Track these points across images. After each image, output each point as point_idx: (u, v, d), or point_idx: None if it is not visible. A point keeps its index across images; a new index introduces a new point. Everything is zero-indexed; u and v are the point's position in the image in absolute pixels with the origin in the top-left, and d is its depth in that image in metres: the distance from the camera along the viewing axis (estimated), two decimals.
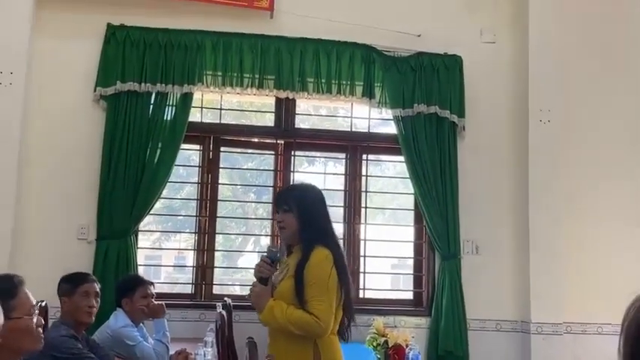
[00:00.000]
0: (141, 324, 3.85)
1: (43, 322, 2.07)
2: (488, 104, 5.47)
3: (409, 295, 5.45)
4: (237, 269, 5.81)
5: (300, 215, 2.87)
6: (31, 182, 4.82)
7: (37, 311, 2.05)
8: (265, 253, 2.90)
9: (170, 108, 4.99)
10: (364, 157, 5.49)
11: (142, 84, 4.92)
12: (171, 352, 3.75)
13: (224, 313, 3.95)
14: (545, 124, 5.28)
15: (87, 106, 4.95)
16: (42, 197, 4.85)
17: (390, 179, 5.83)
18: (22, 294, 2.02)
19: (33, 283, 2.19)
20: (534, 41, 5.37)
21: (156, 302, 3.84)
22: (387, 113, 5.35)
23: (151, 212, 4.98)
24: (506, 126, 5.45)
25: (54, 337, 2.95)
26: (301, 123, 5.58)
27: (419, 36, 5.34)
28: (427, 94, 5.26)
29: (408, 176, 5.26)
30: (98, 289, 3.33)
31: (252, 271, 2.93)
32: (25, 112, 4.81)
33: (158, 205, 4.99)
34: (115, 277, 4.61)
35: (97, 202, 4.82)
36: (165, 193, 5.05)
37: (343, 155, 5.52)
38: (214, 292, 5.15)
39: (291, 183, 5.26)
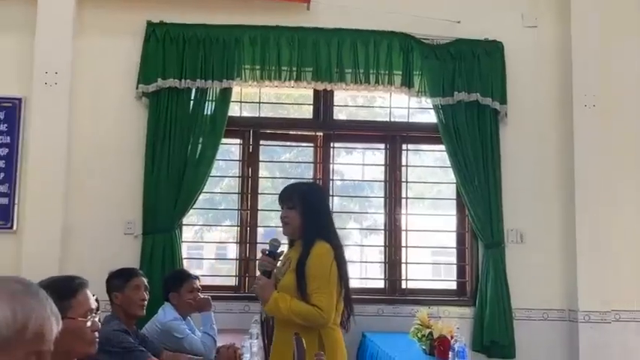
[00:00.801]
0: (188, 317, 3.91)
1: (99, 326, 2.09)
2: (531, 90, 5.37)
3: (452, 285, 5.41)
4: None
5: (303, 212, 3.01)
6: (78, 180, 4.92)
7: (94, 316, 2.07)
8: (267, 247, 3.04)
9: (210, 103, 5.03)
10: (404, 146, 5.45)
11: (182, 80, 4.97)
12: (218, 343, 3.81)
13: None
14: (590, 109, 5.16)
15: (130, 104, 5.03)
16: (89, 194, 4.95)
17: (431, 169, 5.78)
18: (81, 296, 2.05)
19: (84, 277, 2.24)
20: (577, 24, 5.25)
21: (202, 296, 3.89)
22: (427, 102, 5.30)
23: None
24: (550, 112, 5.35)
25: (106, 331, 3.01)
26: (339, 113, 5.57)
27: (458, 22, 5.27)
28: (468, 81, 5.19)
29: (449, 165, 5.21)
30: (146, 283, 3.40)
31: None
32: (71, 111, 4.92)
33: (199, 198, 5.04)
34: (161, 270, 4.71)
35: (142, 197, 4.90)
36: (206, 186, 5.09)
37: (382, 145, 5.49)
38: None
39: (333, 177, 5.33)
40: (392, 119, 5.50)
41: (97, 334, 2.08)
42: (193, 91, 5.02)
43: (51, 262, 4.64)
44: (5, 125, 4.94)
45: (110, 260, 4.25)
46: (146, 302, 3.33)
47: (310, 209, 3.03)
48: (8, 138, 4.93)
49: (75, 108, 4.94)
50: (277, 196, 3.18)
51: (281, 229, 3.15)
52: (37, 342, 1.25)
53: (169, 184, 4.89)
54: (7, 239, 4.83)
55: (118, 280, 3.29)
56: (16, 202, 4.87)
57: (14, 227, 4.85)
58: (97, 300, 2.19)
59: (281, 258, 3.11)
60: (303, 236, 3.01)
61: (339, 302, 2.97)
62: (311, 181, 3.30)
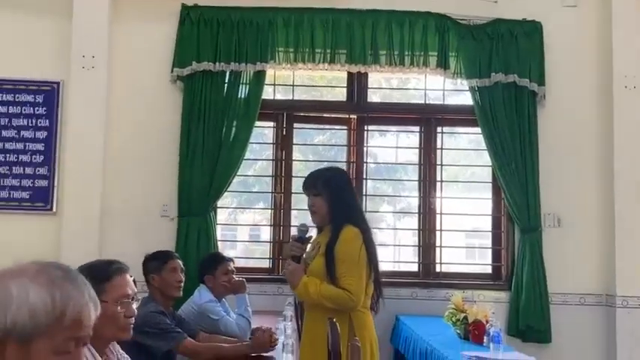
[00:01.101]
0: (223, 299, 3.95)
1: (134, 312, 2.09)
2: (570, 71, 5.25)
3: (487, 269, 5.36)
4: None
5: (329, 198, 3.01)
6: (115, 163, 5.00)
7: (129, 302, 2.08)
8: (296, 233, 3.07)
9: (244, 86, 5.04)
10: (439, 129, 5.39)
11: (217, 63, 4.99)
12: (253, 325, 3.85)
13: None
14: (630, 91, 5.03)
15: (165, 87, 5.07)
16: (126, 177, 5.03)
17: (465, 151, 5.72)
18: (116, 281, 2.06)
19: (120, 259, 2.26)
20: (618, 3, 5.10)
21: (237, 278, 3.93)
22: (463, 84, 5.23)
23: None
24: (589, 93, 5.23)
25: (143, 313, 3.06)
26: (373, 95, 5.53)
27: (495, 2, 5.17)
28: (505, 62, 5.10)
29: (484, 148, 5.14)
30: (182, 265, 3.45)
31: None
32: (108, 95, 4.97)
33: (233, 181, 5.07)
34: (196, 252, 4.77)
35: (177, 180, 4.95)
36: (239, 169, 5.11)
37: (417, 128, 5.44)
38: None
39: (366, 159, 5.31)
40: (427, 101, 5.44)
41: (131, 320, 2.09)
42: (227, 74, 5.03)
43: (90, 243, 4.74)
44: (44, 109, 5.03)
45: (146, 242, 4.31)
46: (182, 284, 3.38)
47: (336, 194, 3.03)
48: (47, 121, 5.02)
49: (111, 92, 5.00)
50: None
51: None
52: (75, 328, 1.27)
53: (204, 167, 4.92)
54: (47, 221, 4.94)
55: (155, 262, 3.34)
56: (56, 184, 4.97)
57: (54, 209, 4.96)
58: (134, 281, 2.20)
59: (310, 242, 3.13)
60: (332, 221, 3.02)
61: (369, 285, 2.99)
62: (334, 166, 3.29)
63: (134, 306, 2.11)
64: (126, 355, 2.27)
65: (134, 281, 2.21)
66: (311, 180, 3.12)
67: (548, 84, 5.15)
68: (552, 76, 5.18)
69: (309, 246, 3.11)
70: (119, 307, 2.04)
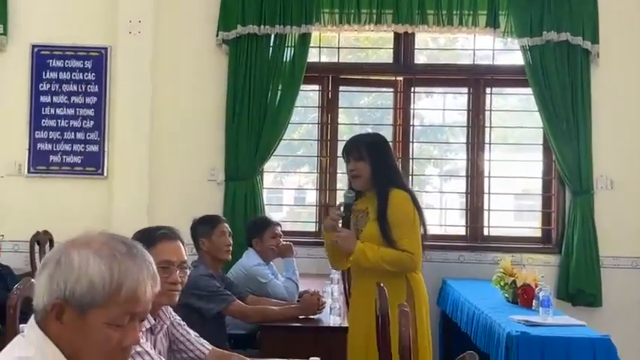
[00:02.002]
0: (271, 262, 4.00)
1: (178, 279, 2.11)
2: (625, 28, 5.04)
3: (537, 233, 5.29)
4: None
5: (372, 162, 2.99)
6: (162, 128, 5.05)
7: (174, 268, 2.10)
8: (342, 199, 3.07)
9: (289, 49, 5.00)
10: (488, 90, 5.27)
11: (262, 26, 4.95)
12: (300, 288, 3.89)
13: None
14: None
15: (211, 51, 5.07)
16: (174, 141, 5.09)
17: (514, 113, 5.59)
18: (161, 246, 2.09)
19: (168, 223, 2.30)
20: None
21: (284, 242, 3.97)
22: (513, 43, 5.08)
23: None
24: None
25: (193, 276, 3.11)
26: (419, 56, 5.42)
27: None
28: (557, 20, 4.92)
29: (535, 109, 5.01)
30: (230, 229, 3.49)
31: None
32: (154, 60, 5.01)
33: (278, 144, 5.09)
34: (243, 216, 4.83)
35: (224, 144, 4.99)
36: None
37: (465, 89, 5.34)
38: None
39: (413, 122, 5.24)
40: (475, 62, 5.32)
41: (175, 286, 2.10)
42: (272, 37, 5.00)
43: (139, 207, 4.85)
44: (93, 74, 5.10)
45: (194, 206, 4.39)
46: (231, 247, 3.42)
47: (379, 158, 3.03)
48: (96, 87, 5.10)
49: (158, 56, 5.03)
50: None
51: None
52: (129, 304, 1.30)
53: (250, 131, 4.94)
54: (99, 185, 5.05)
55: (204, 226, 3.38)
56: (106, 149, 5.07)
57: (105, 174, 5.06)
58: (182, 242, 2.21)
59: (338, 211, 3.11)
60: (376, 186, 3.00)
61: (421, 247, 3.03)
62: (373, 132, 3.29)
63: (179, 273, 2.12)
64: (178, 318, 2.33)
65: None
66: (353, 145, 3.10)
67: (601, 42, 4.96)
68: (606, 33, 4.98)
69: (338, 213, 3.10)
70: (161, 273, 2.07)
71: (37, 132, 5.08)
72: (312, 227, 5.32)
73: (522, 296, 3.87)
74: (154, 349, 2.10)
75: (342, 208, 3.07)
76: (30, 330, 1.33)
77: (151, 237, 2.12)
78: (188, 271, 2.21)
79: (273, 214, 5.12)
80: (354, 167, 3.04)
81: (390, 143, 5.31)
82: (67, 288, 1.28)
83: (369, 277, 2.92)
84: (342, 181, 5.37)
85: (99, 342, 1.28)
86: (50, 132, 5.08)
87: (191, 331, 2.33)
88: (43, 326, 1.30)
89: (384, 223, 2.93)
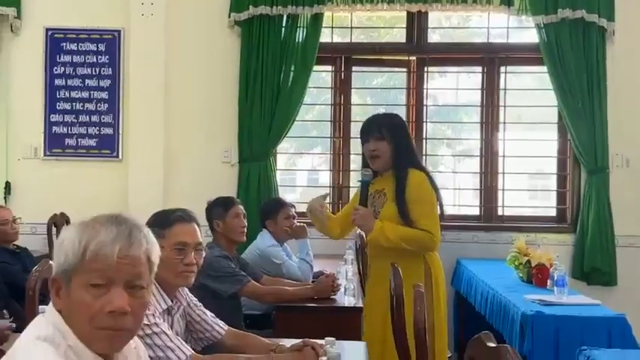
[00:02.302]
0: (284, 244, 4.02)
1: (192, 260, 2.12)
2: None
3: (551, 212, 5.27)
4: None
5: (393, 142, 3.00)
6: (176, 110, 5.07)
7: (189, 249, 2.11)
8: (360, 178, 3.07)
9: (301, 30, 4.98)
10: (502, 69, 5.23)
11: (274, 7, 4.93)
12: (314, 269, 3.92)
13: (362, 232, 4.03)
14: None
15: (223, 33, 5.07)
16: (187, 123, 5.10)
17: (528, 91, 5.54)
18: (176, 229, 2.12)
19: (183, 204, 2.32)
20: None
21: (298, 223, 3.98)
22: (528, 21, 5.02)
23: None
24: None
25: (209, 257, 3.14)
26: (433, 34, 5.38)
27: None
28: None
29: (550, 87, 4.96)
30: (244, 210, 3.50)
31: None
32: (167, 42, 5.01)
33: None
34: (257, 197, 4.85)
35: (237, 125, 5.00)
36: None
37: (479, 68, 5.29)
38: None
39: (427, 102, 5.22)
40: (490, 40, 5.27)
41: (190, 267, 2.12)
42: (285, 17, 4.97)
43: (155, 189, 4.90)
44: (107, 57, 5.12)
45: (208, 188, 4.42)
46: (245, 229, 3.44)
47: (400, 139, 3.03)
48: (110, 69, 5.12)
49: (170, 38, 5.04)
50: None
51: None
52: (96, 262, 1.33)
53: (263, 113, 4.94)
54: (114, 168, 5.09)
55: (219, 208, 3.40)
56: (121, 132, 5.09)
57: (120, 156, 5.10)
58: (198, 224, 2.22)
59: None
60: (395, 166, 3.01)
61: None
62: (390, 112, 3.28)
63: (194, 255, 2.13)
64: (194, 299, 2.35)
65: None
66: (374, 124, 3.08)
67: (617, 20, 4.89)
68: (622, 11, 4.91)
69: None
70: (176, 254, 2.09)
71: (52, 115, 5.11)
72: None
73: (537, 276, 3.87)
74: (172, 329, 2.13)
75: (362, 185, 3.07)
76: (49, 310, 1.37)
77: (166, 219, 2.15)
78: (203, 253, 2.22)
79: (286, 195, 5.13)
80: (375, 147, 3.02)
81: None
82: (56, 264, 1.36)
83: (386, 257, 2.92)
84: (355, 162, 5.37)
85: (81, 307, 1.32)
86: (65, 115, 5.11)
87: (207, 312, 2.36)
88: (54, 305, 1.37)
89: (403, 204, 2.93)
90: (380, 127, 3.04)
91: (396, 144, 3.01)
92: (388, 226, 2.93)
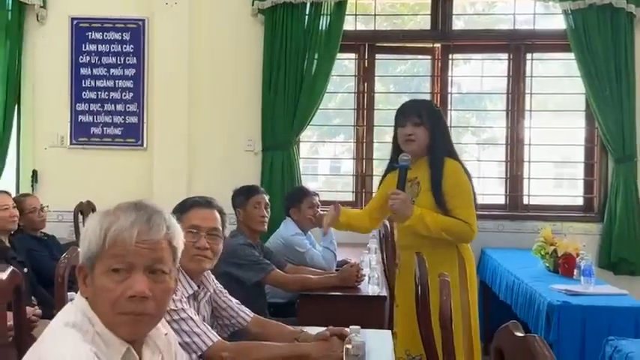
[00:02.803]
0: (308, 232, 4.02)
1: (205, 244, 2.10)
2: None
3: (578, 201, 5.20)
4: None
5: (431, 128, 2.91)
6: (200, 99, 5.09)
7: (200, 233, 2.09)
8: (398, 162, 2.93)
9: (325, 17, 4.96)
10: (528, 56, 5.16)
11: None
12: (338, 258, 3.91)
13: (386, 221, 4.02)
14: None
15: (246, 21, 5.07)
16: (211, 112, 5.12)
17: (555, 78, 5.46)
18: (191, 213, 2.11)
19: (206, 193, 2.33)
20: None
21: (322, 212, 3.98)
22: (555, 7, 4.95)
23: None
24: None
25: (232, 245, 3.16)
26: (457, 21, 5.32)
27: None
28: None
29: (577, 74, 4.89)
30: (267, 200, 3.50)
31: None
32: (191, 31, 5.02)
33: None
34: (280, 185, 4.86)
35: (261, 114, 5.00)
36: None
37: (505, 55, 5.23)
38: None
39: (451, 90, 5.16)
40: (515, 27, 5.20)
41: (204, 252, 2.09)
42: (308, 5, 4.96)
43: (179, 177, 4.93)
44: (131, 46, 5.14)
45: (232, 176, 4.45)
46: (266, 219, 3.44)
47: (438, 126, 2.95)
48: (135, 59, 5.14)
49: (194, 27, 5.05)
50: (393, 111, 3.08)
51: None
52: (115, 248, 1.34)
53: (286, 101, 4.94)
54: (139, 156, 5.13)
55: (240, 197, 3.42)
56: (145, 120, 5.13)
57: (144, 145, 5.13)
58: (223, 213, 2.22)
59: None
60: (430, 153, 2.91)
61: None
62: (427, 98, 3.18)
63: (208, 239, 2.11)
64: (220, 286, 2.37)
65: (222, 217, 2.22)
66: (414, 108, 2.98)
67: None
68: None
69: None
70: (189, 237, 2.08)
71: (78, 104, 5.16)
72: (348, 197, 5.32)
73: (563, 265, 3.82)
74: (198, 314, 2.14)
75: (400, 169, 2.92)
76: (77, 297, 1.38)
77: (184, 205, 2.17)
78: (221, 240, 2.19)
79: (309, 183, 5.13)
80: (412, 131, 2.90)
81: None
82: (81, 252, 1.38)
83: (419, 247, 2.76)
84: (378, 150, 5.35)
85: (103, 292, 1.33)
86: (91, 104, 5.16)
87: (233, 299, 2.37)
88: (81, 293, 1.39)
89: (440, 193, 2.84)
90: (420, 111, 2.94)
91: (434, 130, 2.92)
92: (428, 214, 2.83)
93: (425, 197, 2.88)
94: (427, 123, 2.91)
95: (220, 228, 2.18)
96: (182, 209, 2.14)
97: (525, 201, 5.14)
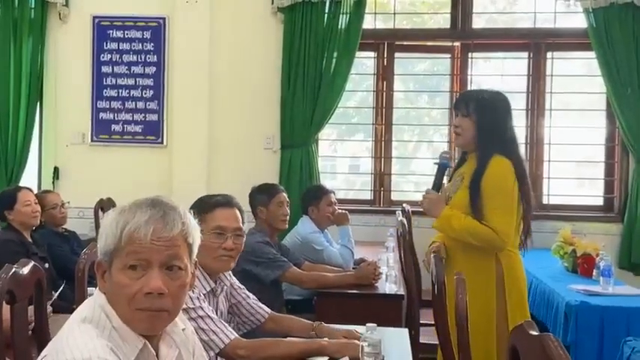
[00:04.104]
0: (325, 230, 4.03)
1: (231, 245, 2.12)
2: None
3: (599, 201, 5.15)
4: (414, 175, 5.79)
5: (478, 121, 2.69)
6: (219, 97, 5.12)
7: (226, 234, 2.12)
8: (438, 160, 2.83)
9: (344, 16, 4.96)
10: (549, 54, 5.12)
11: None
12: (355, 256, 3.92)
13: (404, 220, 4.02)
14: None
15: (266, 20, 5.09)
16: (230, 110, 5.15)
17: (576, 77, 5.41)
18: (215, 213, 2.13)
19: (225, 190, 2.34)
20: None
21: (340, 210, 3.99)
22: (576, 5, 4.90)
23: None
24: None
25: (251, 243, 3.17)
26: (477, 19, 5.29)
27: None
28: None
29: (598, 74, 4.84)
30: (287, 198, 3.53)
31: (426, 176, 2.89)
32: (211, 29, 5.06)
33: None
34: (299, 184, 4.88)
35: (280, 112, 5.02)
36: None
37: (525, 54, 5.19)
38: (393, 198, 5.24)
39: (471, 88, 5.10)
40: (536, 25, 5.16)
41: (230, 253, 2.12)
42: (327, 3, 4.96)
43: (198, 175, 4.97)
44: (152, 44, 5.19)
45: (251, 174, 4.47)
46: (288, 217, 3.47)
47: (487, 119, 2.69)
48: (155, 57, 5.19)
49: (214, 26, 5.08)
50: (411, 110, 3.05)
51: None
52: (131, 245, 1.35)
53: (305, 99, 4.95)
54: (159, 154, 5.18)
55: (263, 195, 3.43)
56: (165, 118, 5.17)
57: (164, 142, 5.18)
58: (241, 210, 2.24)
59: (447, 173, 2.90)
60: (478, 149, 2.72)
61: (519, 223, 2.71)
62: (496, 90, 2.92)
63: (233, 240, 2.13)
64: (237, 282, 2.39)
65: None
66: (464, 99, 2.83)
67: None
68: None
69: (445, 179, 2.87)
70: (214, 238, 2.11)
71: (99, 102, 5.22)
72: (367, 195, 5.33)
73: (582, 265, 3.80)
74: (217, 310, 2.16)
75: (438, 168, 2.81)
76: (96, 292, 1.41)
77: (207, 204, 2.17)
78: (243, 239, 2.22)
79: (327, 181, 5.14)
80: (459, 123, 2.74)
81: (446, 110, 5.28)
82: (99, 248, 1.40)
83: (457, 251, 2.71)
84: (397, 149, 5.35)
85: (120, 289, 1.35)
86: (112, 102, 5.21)
87: (250, 295, 2.38)
88: (100, 288, 1.41)
89: (476, 193, 2.63)
90: (468, 102, 2.75)
91: (481, 123, 2.69)
92: (455, 216, 2.67)
93: (462, 194, 2.70)
94: (474, 115, 2.70)
95: (242, 226, 2.21)
96: (205, 209, 2.14)
97: (545, 201, 5.11)
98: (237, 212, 2.20)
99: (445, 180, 2.87)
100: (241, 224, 2.20)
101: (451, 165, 2.87)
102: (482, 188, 2.63)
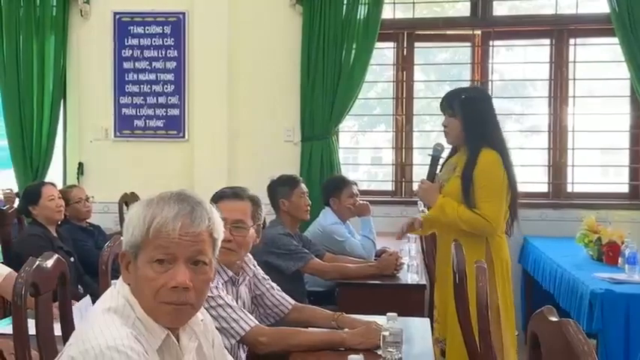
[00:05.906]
0: (347, 221, 4.03)
1: (230, 237, 2.08)
2: None
3: (624, 189, 5.08)
4: None
5: (463, 119, 2.92)
6: (239, 90, 5.14)
7: (227, 226, 2.06)
8: (431, 152, 3.04)
9: (363, 6, 4.94)
10: (571, 41, 5.05)
11: None
12: (377, 247, 3.92)
13: (426, 210, 3.99)
14: None
15: (285, 12, 5.08)
16: (250, 103, 5.17)
17: (599, 64, 5.33)
18: (219, 206, 2.08)
19: (246, 183, 2.35)
20: None
21: (361, 201, 3.99)
22: None
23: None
24: None
25: (272, 234, 3.20)
26: (498, 7, 5.22)
27: None
28: None
29: (622, 59, 4.76)
30: (306, 189, 3.55)
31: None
32: (230, 23, 5.07)
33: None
34: (319, 176, 4.88)
35: (300, 104, 5.02)
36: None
37: (547, 41, 5.13)
38: (414, 188, 5.21)
39: (491, 78, 5.09)
40: (558, 11, 5.09)
41: (228, 244, 2.06)
42: None
43: (219, 168, 5.00)
44: (172, 39, 5.22)
45: (272, 166, 4.48)
46: (310, 207, 3.48)
47: (472, 116, 2.93)
48: (175, 52, 5.22)
49: (233, 19, 5.09)
50: (432, 99, 3.11)
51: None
52: (158, 239, 1.37)
53: (325, 91, 4.95)
54: (181, 148, 5.22)
55: (284, 187, 3.45)
56: (186, 112, 5.20)
57: (186, 136, 5.21)
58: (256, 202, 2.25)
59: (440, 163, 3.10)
60: (467, 144, 2.95)
61: (506, 210, 2.95)
62: (474, 85, 3.14)
63: (233, 231, 2.12)
64: (262, 272, 2.40)
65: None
66: (447, 99, 3.03)
67: None
68: None
69: (438, 167, 3.08)
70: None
71: (121, 97, 5.27)
72: (388, 186, 5.31)
73: (607, 253, 3.75)
74: (238, 299, 2.17)
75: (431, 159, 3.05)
76: (119, 283, 1.42)
77: (215, 196, 2.21)
78: (246, 231, 2.19)
79: (349, 173, 5.14)
80: (446, 123, 2.99)
81: None
82: (124, 239, 1.42)
83: (449, 233, 2.91)
84: (418, 139, 5.32)
85: (146, 282, 1.37)
86: (134, 97, 5.25)
87: (275, 286, 2.40)
88: (124, 279, 1.43)
89: (467, 182, 2.87)
90: (451, 102, 2.99)
91: (467, 121, 2.93)
92: (449, 205, 2.89)
93: (454, 183, 2.93)
94: (459, 113, 2.94)
95: (247, 219, 2.19)
96: (213, 200, 2.16)
97: (569, 189, 5.05)
98: (245, 205, 2.20)
99: (439, 170, 3.10)
100: (244, 217, 2.18)
101: (443, 156, 3.08)
102: (473, 179, 2.86)
